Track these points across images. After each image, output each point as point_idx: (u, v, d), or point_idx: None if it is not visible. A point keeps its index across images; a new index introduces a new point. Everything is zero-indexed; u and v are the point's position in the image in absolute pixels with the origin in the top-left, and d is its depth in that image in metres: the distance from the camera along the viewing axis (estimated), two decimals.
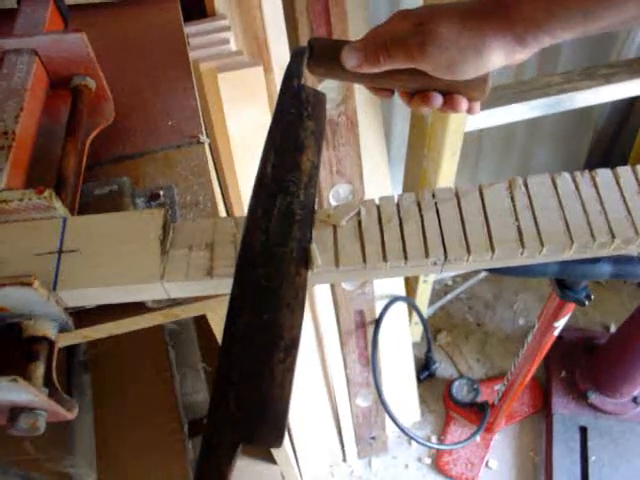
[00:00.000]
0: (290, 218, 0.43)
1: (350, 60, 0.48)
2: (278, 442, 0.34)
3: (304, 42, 0.93)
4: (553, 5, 0.42)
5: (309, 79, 0.91)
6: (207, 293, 0.48)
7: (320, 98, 0.49)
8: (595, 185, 0.48)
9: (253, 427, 0.34)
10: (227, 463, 0.33)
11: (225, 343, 0.37)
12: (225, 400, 0.35)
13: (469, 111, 0.51)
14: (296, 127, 0.47)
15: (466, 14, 0.45)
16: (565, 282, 0.93)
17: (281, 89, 0.49)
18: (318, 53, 0.51)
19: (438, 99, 0.49)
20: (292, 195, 0.43)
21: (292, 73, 0.49)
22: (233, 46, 0.88)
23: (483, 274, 1.88)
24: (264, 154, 0.45)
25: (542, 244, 0.45)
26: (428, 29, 0.45)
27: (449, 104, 0.50)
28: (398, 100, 0.53)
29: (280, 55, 0.91)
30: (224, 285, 0.45)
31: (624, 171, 0.48)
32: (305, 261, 0.42)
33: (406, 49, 0.46)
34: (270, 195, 0.43)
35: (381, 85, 0.52)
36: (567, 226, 0.46)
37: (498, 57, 0.45)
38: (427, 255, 0.45)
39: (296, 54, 0.51)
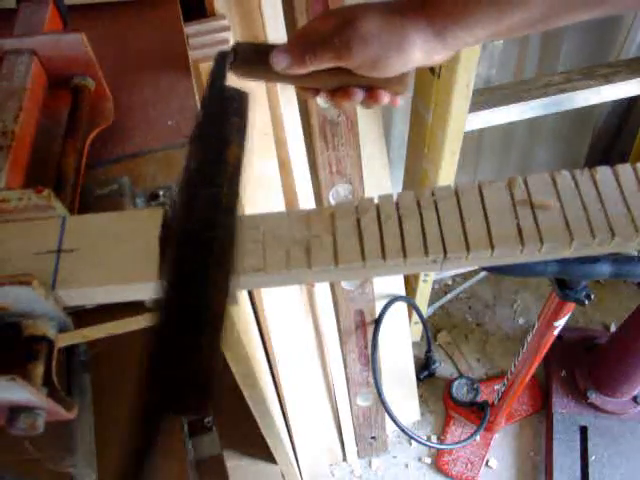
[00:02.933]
0: (215, 207, 0.43)
1: (279, 63, 0.49)
2: (202, 409, 0.36)
3: None
4: (470, 1, 0.43)
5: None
6: None
7: (244, 96, 0.50)
8: (595, 183, 0.48)
9: (180, 394, 0.37)
10: (155, 427, 0.36)
11: (154, 322, 0.38)
12: (154, 370, 0.38)
13: (391, 103, 0.52)
14: (220, 123, 0.47)
15: (388, 11, 0.46)
16: (565, 282, 0.93)
17: (205, 90, 0.50)
18: (242, 56, 0.52)
19: (360, 94, 0.51)
20: (217, 186, 0.44)
21: (216, 74, 0.50)
22: None
23: (483, 274, 1.88)
24: (189, 150, 0.46)
25: (542, 242, 0.45)
26: (352, 27, 0.46)
27: (372, 98, 0.51)
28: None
29: None
30: None
31: (624, 169, 0.48)
32: (232, 245, 0.42)
33: (332, 48, 0.47)
34: (195, 186, 0.44)
35: (306, 84, 0.53)
36: (567, 224, 0.46)
37: (419, 54, 0.46)
38: (426, 252, 0.45)
39: (220, 57, 0.51)
